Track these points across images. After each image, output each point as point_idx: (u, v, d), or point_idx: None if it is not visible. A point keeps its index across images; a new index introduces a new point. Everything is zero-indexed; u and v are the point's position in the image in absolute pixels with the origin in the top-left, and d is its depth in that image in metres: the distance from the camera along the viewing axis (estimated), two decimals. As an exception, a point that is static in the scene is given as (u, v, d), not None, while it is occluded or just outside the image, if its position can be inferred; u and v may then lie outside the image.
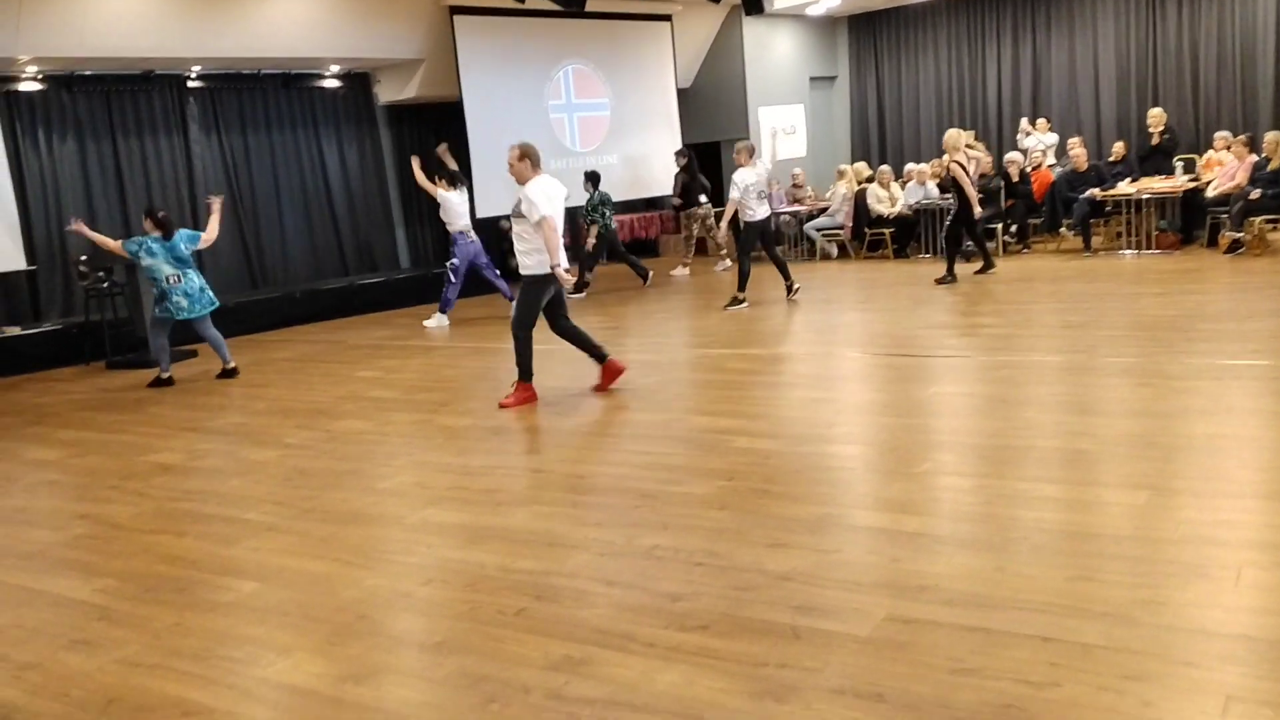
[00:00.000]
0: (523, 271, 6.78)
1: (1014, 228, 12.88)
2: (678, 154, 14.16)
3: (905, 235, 13.41)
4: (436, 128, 14.43)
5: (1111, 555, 3.65)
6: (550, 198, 6.62)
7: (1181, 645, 2.98)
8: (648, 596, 3.64)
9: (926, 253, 13.04)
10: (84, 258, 10.43)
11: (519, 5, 11.86)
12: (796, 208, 14.55)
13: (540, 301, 6.80)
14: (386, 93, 14.05)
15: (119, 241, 8.87)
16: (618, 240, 13.10)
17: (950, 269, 10.74)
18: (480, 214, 13.11)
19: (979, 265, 11.19)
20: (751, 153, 10.32)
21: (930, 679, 2.90)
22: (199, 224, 12.49)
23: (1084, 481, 4.51)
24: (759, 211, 10.19)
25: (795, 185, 15.09)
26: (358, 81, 13.96)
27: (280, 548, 4.53)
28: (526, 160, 6.67)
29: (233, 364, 8.88)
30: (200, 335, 8.97)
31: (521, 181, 6.66)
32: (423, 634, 3.55)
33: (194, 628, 3.73)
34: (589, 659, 3.21)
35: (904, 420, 5.75)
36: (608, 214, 12.57)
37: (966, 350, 7.50)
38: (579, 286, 12.27)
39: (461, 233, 10.99)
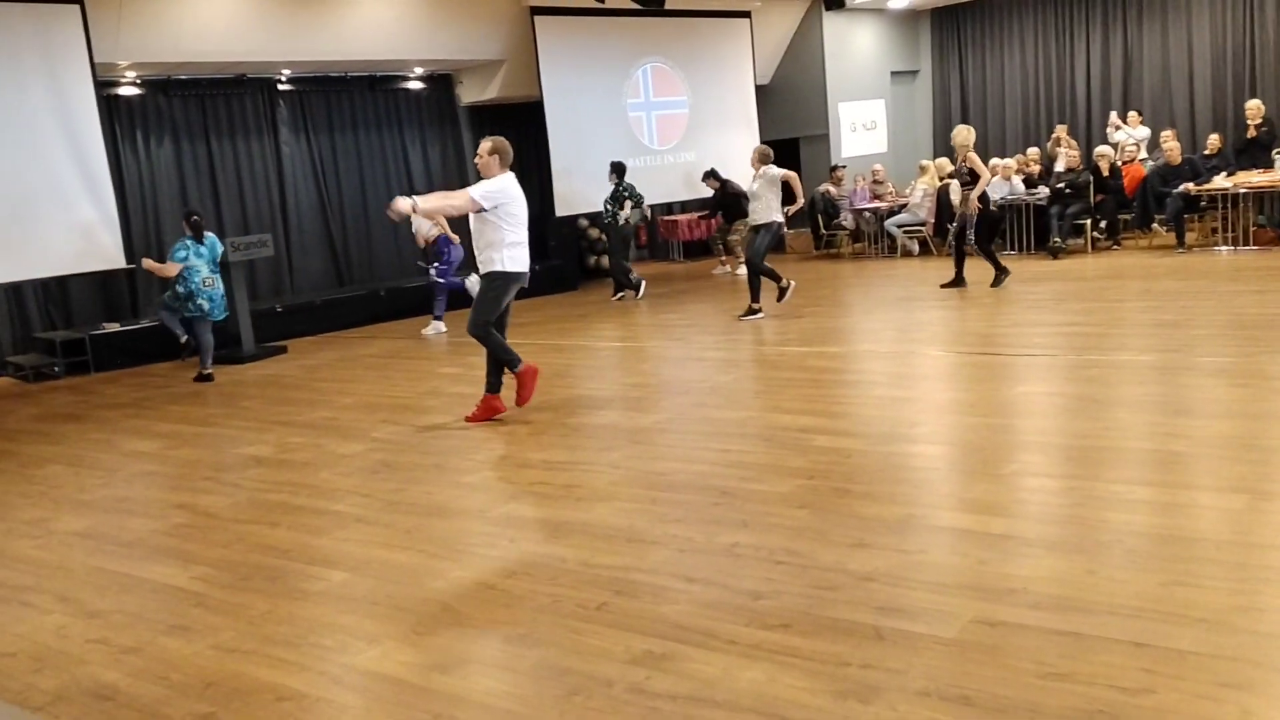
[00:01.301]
0: (486, 269, 6.53)
1: (1103, 223, 12.55)
2: (705, 178, 13.66)
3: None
4: (517, 127, 14.59)
5: (1208, 560, 3.55)
6: (514, 197, 6.49)
7: (1283, 654, 2.89)
8: (728, 594, 3.64)
9: (1011, 249, 12.79)
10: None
11: (599, 5, 11.92)
12: (876, 204, 14.37)
13: (502, 298, 6.58)
14: (468, 93, 14.24)
15: (167, 263, 9.35)
16: (629, 241, 12.60)
17: (998, 267, 10.29)
18: (560, 213, 13.24)
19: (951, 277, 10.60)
20: (762, 156, 9.99)
21: (1018, 683, 2.85)
22: (288, 224, 12.87)
23: (1178, 484, 4.38)
24: (759, 215, 9.89)
25: (875, 181, 14.90)
26: (440, 83, 14.18)
27: (368, 539, 4.63)
28: (496, 156, 6.50)
29: (210, 370, 9.25)
30: (198, 334, 9.36)
31: (487, 176, 6.51)
32: (506, 626, 3.60)
33: (286, 615, 3.84)
34: (670, 654, 3.22)
35: (989, 420, 5.65)
36: (627, 206, 12.21)
37: (1054, 349, 7.33)
38: (629, 285, 12.18)
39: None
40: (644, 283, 12.31)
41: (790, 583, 3.68)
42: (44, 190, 9.75)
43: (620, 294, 12.33)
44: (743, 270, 13.15)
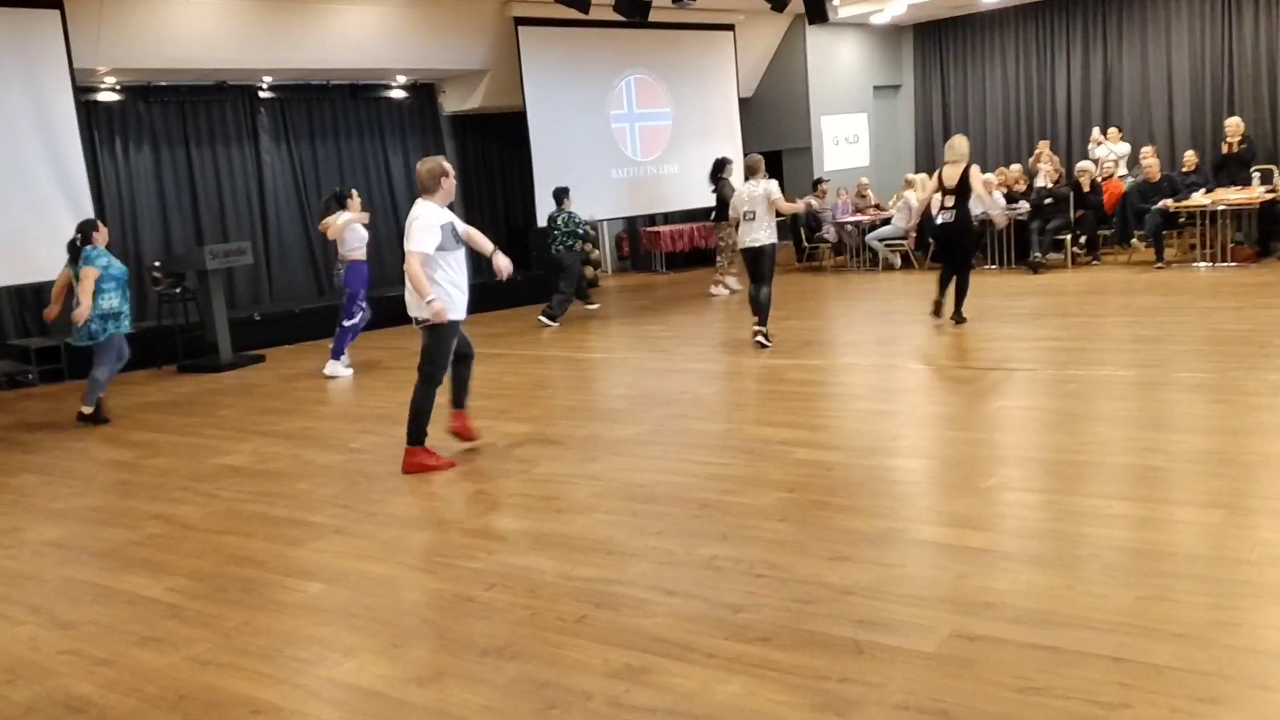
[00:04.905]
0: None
1: (1083, 239, 12.64)
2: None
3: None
4: (500, 138, 14.60)
5: (1185, 575, 3.56)
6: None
7: (1257, 668, 2.90)
8: (708, 606, 3.63)
9: (992, 263, 12.86)
10: (157, 264, 10.73)
11: (582, 16, 11.94)
12: (859, 217, 14.44)
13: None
14: (451, 103, 14.24)
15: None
16: (570, 269, 11.66)
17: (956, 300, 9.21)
18: (542, 224, 13.20)
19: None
20: (748, 168, 9.17)
21: (996, 697, 2.85)
22: (268, 232, 12.81)
23: (1156, 499, 4.40)
24: (744, 237, 8.78)
25: (859, 195, 14.98)
26: (423, 92, 14.17)
27: (345, 550, 4.60)
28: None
29: (88, 411, 7.91)
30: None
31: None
32: (484, 639, 3.58)
33: (262, 627, 3.80)
34: (649, 667, 3.21)
35: (969, 434, 5.67)
36: (558, 234, 11.58)
37: (1034, 364, 7.37)
38: (560, 313, 11.57)
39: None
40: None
41: (770, 596, 3.67)
42: (21, 197, 9.67)
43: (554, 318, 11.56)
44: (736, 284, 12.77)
